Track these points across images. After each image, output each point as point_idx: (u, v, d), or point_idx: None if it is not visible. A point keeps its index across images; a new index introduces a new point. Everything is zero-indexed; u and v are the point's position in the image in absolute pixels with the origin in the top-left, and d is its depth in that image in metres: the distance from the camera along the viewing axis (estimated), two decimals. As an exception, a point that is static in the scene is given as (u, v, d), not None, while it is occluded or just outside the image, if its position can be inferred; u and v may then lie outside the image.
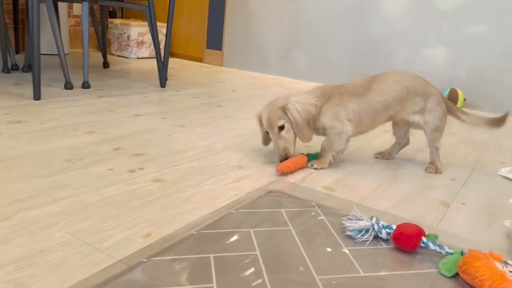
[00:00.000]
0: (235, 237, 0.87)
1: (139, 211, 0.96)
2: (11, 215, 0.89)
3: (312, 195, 1.13)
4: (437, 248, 0.87)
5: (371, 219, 0.94)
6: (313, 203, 1.07)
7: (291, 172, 1.28)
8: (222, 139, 1.56)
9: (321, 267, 0.79)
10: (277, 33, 3.32)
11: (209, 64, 3.70)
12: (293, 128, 1.31)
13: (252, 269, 0.77)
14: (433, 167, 1.42)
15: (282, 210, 1.02)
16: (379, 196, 1.18)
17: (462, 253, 0.84)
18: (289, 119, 1.29)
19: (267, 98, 2.37)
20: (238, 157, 1.38)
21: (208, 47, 3.68)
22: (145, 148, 1.39)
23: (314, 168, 1.34)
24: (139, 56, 3.60)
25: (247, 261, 0.79)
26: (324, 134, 1.36)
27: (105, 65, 2.91)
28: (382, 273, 0.79)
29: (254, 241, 0.87)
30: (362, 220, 0.94)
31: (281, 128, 1.30)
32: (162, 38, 3.42)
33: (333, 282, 0.75)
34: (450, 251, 0.86)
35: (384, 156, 1.54)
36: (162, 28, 3.42)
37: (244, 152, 1.45)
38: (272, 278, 0.75)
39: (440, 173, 1.41)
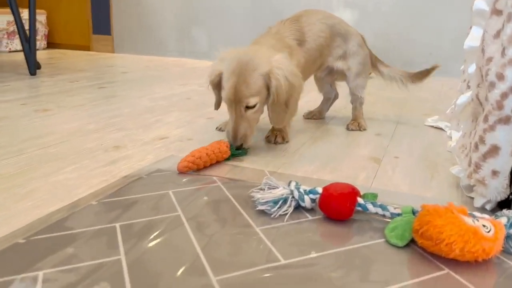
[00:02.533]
0: (87, 240, 0.56)
1: None
2: None
3: (213, 171, 0.85)
4: (379, 210, 0.64)
5: (288, 185, 0.69)
6: (214, 178, 0.79)
7: (200, 168, 0.84)
8: (99, 120, 1.22)
9: (224, 263, 0.52)
10: (171, 10, 2.98)
11: (98, 52, 3.26)
12: (267, 106, 0.95)
13: None
14: (355, 124, 1.21)
15: (170, 191, 0.73)
16: (299, 161, 0.93)
17: (413, 212, 0.61)
18: (267, 93, 0.92)
19: (168, 78, 2.06)
20: (116, 137, 1.06)
21: (95, 32, 3.24)
22: (-17, 138, 1.01)
23: (279, 143, 1.05)
24: (12, 49, 3.06)
25: (105, 275, 0.49)
26: None
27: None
28: (310, 256, 0.54)
29: (120, 242, 0.56)
30: (277, 188, 0.68)
31: (251, 107, 0.92)
32: (39, 26, 2.92)
33: (239, 282, 0.48)
34: (397, 211, 0.63)
35: (314, 116, 1.33)
36: (38, 14, 2.91)
37: (126, 130, 1.13)
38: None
39: (364, 129, 1.20)
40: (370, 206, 0.64)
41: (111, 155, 0.92)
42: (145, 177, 0.79)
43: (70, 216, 0.63)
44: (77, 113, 1.29)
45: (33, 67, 1.96)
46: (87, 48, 3.29)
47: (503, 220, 0.58)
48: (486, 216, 0.59)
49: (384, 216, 0.64)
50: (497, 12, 0.68)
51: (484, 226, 0.54)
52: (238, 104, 0.91)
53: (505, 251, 0.57)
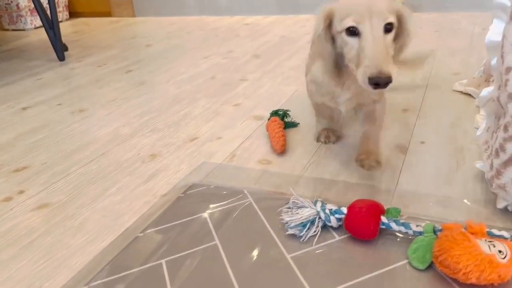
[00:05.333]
0: (138, 280, 0.64)
1: (10, 268, 0.70)
2: None
3: (243, 177, 0.90)
4: (402, 229, 0.67)
5: (315, 204, 0.73)
6: (245, 192, 0.85)
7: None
8: (131, 119, 1.28)
9: (258, 303, 0.58)
10: (186, -34, 2.90)
11: (119, 17, 3.25)
12: (401, 38, 0.79)
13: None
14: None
15: (206, 214, 0.79)
16: (325, 158, 0.96)
17: (434, 231, 0.64)
18: (402, 22, 0.77)
19: (190, 48, 2.07)
20: (150, 142, 1.12)
21: (114, -3, 3.21)
22: (30, 157, 1.09)
23: (373, 169, 0.87)
24: (37, 25, 3.10)
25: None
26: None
27: (-6, 45, 2.46)
28: (338, 290, 0.59)
29: (168, 281, 0.64)
30: (305, 207, 0.73)
31: (389, 28, 0.74)
32: (57, -2, 2.93)
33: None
34: (419, 229, 0.66)
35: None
36: (53, -14, 2.89)
37: (159, 132, 1.18)
38: None
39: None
40: (393, 225, 0.68)
41: (148, 167, 0.99)
42: (182, 196, 0.85)
43: (121, 254, 0.71)
44: (110, 112, 1.35)
45: (61, 52, 2.01)
46: (108, 14, 3.29)
47: (521, 240, 0.61)
48: (505, 234, 0.62)
49: (407, 233, 0.68)
50: (518, 17, 0.65)
51: (500, 252, 0.57)
52: (376, 21, 0.72)
53: (523, 268, 0.60)
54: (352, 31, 0.74)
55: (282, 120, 1.09)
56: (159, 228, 0.76)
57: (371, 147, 0.89)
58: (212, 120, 1.22)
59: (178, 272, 0.65)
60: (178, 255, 0.69)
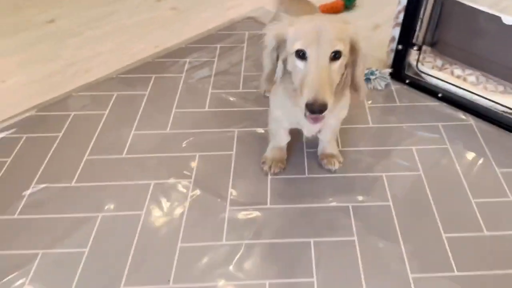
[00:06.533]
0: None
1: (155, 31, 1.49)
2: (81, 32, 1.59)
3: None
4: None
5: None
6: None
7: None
8: None
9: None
10: None
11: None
12: (352, 65, 0.81)
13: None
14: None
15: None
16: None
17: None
18: (352, 49, 0.78)
19: None
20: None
21: None
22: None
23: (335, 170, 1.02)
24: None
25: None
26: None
27: None
28: None
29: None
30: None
31: (336, 57, 0.75)
32: None
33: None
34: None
35: None
36: None
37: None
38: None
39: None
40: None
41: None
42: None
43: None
44: None
45: None
46: None
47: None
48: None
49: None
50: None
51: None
52: (323, 49, 0.73)
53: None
54: (302, 55, 0.75)
55: None
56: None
57: (332, 151, 1.03)
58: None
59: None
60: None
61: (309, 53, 0.73)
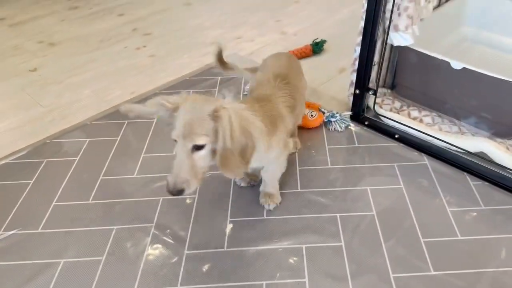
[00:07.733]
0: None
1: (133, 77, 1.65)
2: (62, 80, 1.68)
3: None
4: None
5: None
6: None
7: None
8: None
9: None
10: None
11: None
12: (217, 152, 0.82)
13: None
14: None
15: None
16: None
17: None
18: (217, 134, 0.81)
19: None
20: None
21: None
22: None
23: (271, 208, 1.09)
24: None
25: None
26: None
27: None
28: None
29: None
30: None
31: (198, 148, 0.81)
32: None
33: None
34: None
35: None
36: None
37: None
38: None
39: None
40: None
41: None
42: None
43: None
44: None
45: None
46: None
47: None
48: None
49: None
50: None
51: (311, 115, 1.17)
52: (186, 141, 0.80)
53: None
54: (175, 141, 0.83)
55: None
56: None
57: (271, 190, 1.09)
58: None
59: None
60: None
61: (177, 142, 0.81)
